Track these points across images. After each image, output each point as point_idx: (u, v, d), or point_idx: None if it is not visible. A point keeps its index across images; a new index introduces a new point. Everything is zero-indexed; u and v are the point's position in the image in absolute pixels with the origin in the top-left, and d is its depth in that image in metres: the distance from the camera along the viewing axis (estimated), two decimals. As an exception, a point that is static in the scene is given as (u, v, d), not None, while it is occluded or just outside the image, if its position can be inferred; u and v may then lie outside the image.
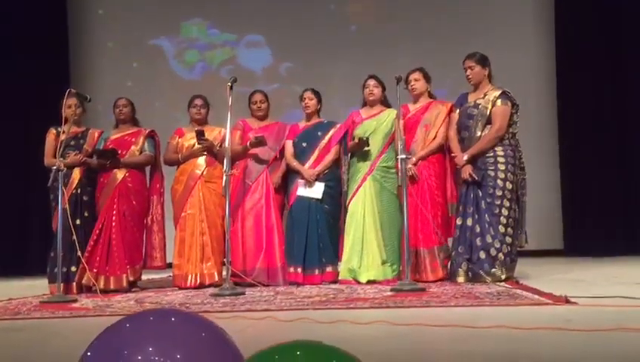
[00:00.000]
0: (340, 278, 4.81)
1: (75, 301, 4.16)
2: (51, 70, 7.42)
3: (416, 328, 2.63)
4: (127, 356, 1.07)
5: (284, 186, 5.09)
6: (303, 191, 4.91)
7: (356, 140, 4.84)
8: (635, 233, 7.10)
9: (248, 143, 4.97)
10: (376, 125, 4.95)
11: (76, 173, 4.91)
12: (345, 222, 4.90)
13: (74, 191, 4.87)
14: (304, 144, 5.06)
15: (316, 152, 5.03)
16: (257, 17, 7.85)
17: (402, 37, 7.59)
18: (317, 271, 4.84)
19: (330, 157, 5.01)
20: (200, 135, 4.92)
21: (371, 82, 5.02)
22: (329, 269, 4.88)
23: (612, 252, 6.83)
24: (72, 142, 4.97)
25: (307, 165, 4.98)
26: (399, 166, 4.32)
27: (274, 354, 0.94)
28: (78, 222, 4.82)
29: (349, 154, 5.03)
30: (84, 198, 4.92)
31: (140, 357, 1.07)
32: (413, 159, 4.76)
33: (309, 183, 4.90)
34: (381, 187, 4.86)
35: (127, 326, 1.14)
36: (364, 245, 4.80)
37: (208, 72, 7.99)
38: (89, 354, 1.09)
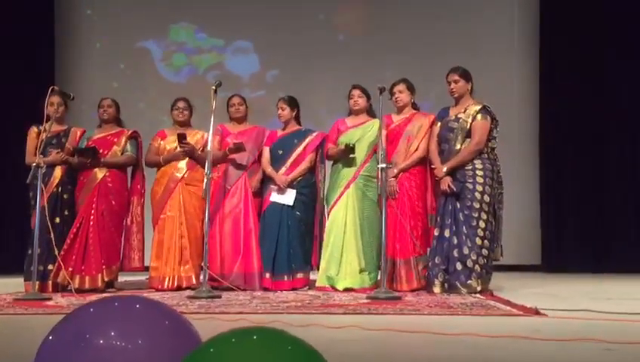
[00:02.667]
0: (317, 285, 4.83)
1: (50, 299, 4.14)
2: (35, 68, 7.40)
3: (387, 333, 2.66)
4: (89, 340, 1.08)
5: (263, 191, 5.12)
6: (275, 197, 4.94)
7: (342, 147, 4.87)
8: (611, 250, 7.20)
9: (227, 149, 5.00)
10: (361, 134, 4.99)
11: (57, 172, 4.89)
12: (320, 229, 4.93)
13: (54, 190, 4.85)
14: (280, 151, 5.09)
15: (291, 159, 5.05)
16: (246, 24, 7.89)
17: (389, 48, 7.66)
18: (286, 278, 4.85)
19: (304, 165, 5.04)
20: (182, 138, 4.93)
21: (356, 92, 5.07)
22: (299, 276, 4.91)
23: (588, 268, 6.92)
24: (54, 141, 4.95)
25: (281, 172, 5.00)
26: (379, 175, 4.36)
27: (231, 337, 0.96)
28: (57, 220, 4.80)
29: (332, 162, 5.07)
30: (65, 197, 4.90)
31: (101, 341, 1.09)
32: (395, 171, 4.81)
33: (281, 189, 4.93)
34: (363, 195, 4.89)
35: (91, 311, 1.16)
36: (344, 253, 4.82)
37: (194, 75, 8.00)
38: (50, 337, 1.10)
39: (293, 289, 4.80)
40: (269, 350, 0.96)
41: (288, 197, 4.91)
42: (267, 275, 4.84)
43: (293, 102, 5.18)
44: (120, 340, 1.09)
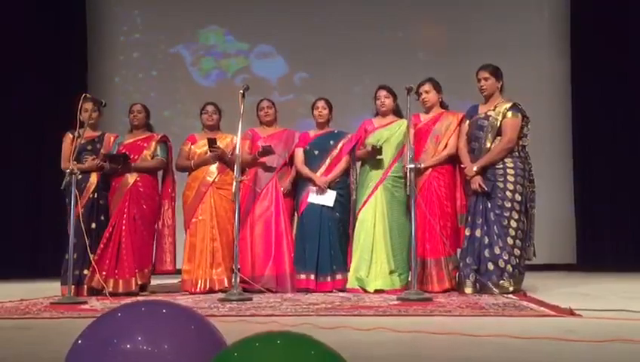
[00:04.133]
0: (347, 287, 4.82)
1: (85, 303, 4.22)
2: (70, 76, 7.57)
3: (416, 335, 2.64)
4: (116, 344, 1.10)
5: (294, 193, 5.13)
6: (314, 198, 4.94)
7: (369, 148, 4.86)
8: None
9: (257, 153, 5.03)
10: (388, 135, 4.98)
11: (93, 178, 4.99)
12: (354, 230, 4.92)
13: (91, 196, 4.94)
14: (316, 152, 5.10)
15: (328, 160, 5.07)
16: (273, 27, 7.94)
17: (416, 47, 7.62)
18: (329, 279, 4.86)
19: (341, 166, 5.05)
20: (212, 143, 4.98)
21: (382, 93, 5.05)
22: (339, 277, 4.90)
23: (624, 267, 6.77)
24: (89, 147, 5.05)
25: (319, 173, 5.02)
26: (407, 175, 4.33)
27: (255, 341, 0.97)
28: (93, 225, 4.90)
29: (360, 163, 5.06)
30: (101, 202, 5.00)
31: (129, 346, 1.11)
32: (422, 167, 4.76)
33: (321, 190, 4.94)
34: (392, 196, 4.88)
35: (119, 316, 1.18)
36: (373, 254, 4.81)
37: (224, 79, 8.07)
38: (80, 342, 1.13)
39: (334, 289, 4.79)
40: (292, 354, 0.97)
41: (328, 198, 4.93)
42: (311, 276, 4.84)
43: (330, 104, 5.21)
44: (146, 345, 1.11)
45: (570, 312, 3.15)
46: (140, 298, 4.65)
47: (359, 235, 4.87)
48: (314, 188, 4.96)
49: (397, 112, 5.08)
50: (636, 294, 4.43)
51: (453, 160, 4.86)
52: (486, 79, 4.68)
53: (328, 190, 4.94)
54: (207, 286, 4.91)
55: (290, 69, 8.01)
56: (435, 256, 4.69)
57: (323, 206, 4.92)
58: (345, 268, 4.95)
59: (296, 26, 7.89)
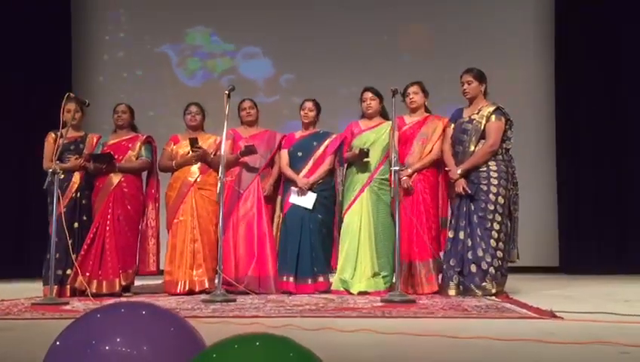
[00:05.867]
0: (332, 288, 4.83)
1: (67, 304, 4.19)
2: (53, 75, 7.50)
3: (400, 337, 2.65)
4: (95, 346, 1.10)
5: (275, 195, 5.12)
6: (295, 199, 4.94)
7: (356, 151, 4.87)
8: (630, 251, 7.11)
9: (239, 152, 5.02)
10: (375, 137, 4.99)
11: (76, 177, 4.95)
12: (339, 232, 4.92)
13: (73, 195, 4.91)
14: (299, 153, 5.09)
15: (311, 162, 5.06)
16: (259, 28, 7.92)
17: (401, 50, 7.65)
18: (309, 281, 4.85)
19: (324, 168, 5.04)
20: (194, 143, 4.96)
21: (368, 95, 5.06)
22: (321, 279, 4.90)
23: (607, 270, 6.84)
24: (72, 147, 5.02)
25: (301, 174, 5.01)
26: (392, 178, 4.35)
27: (234, 343, 0.97)
28: (76, 225, 4.87)
29: (346, 165, 5.06)
30: (83, 202, 4.96)
31: (107, 348, 1.10)
32: (409, 171, 4.80)
33: (302, 192, 4.93)
34: (378, 199, 4.89)
35: (98, 317, 1.17)
36: (359, 256, 4.82)
37: (210, 80, 8.05)
38: (58, 343, 1.12)
39: (316, 292, 4.78)
40: (271, 356, 0.97)
41: (308, 200, 4.91)
42: (291, 279, 4.83)
43: (318, 106, 5.20)
44: (125, 346, 1.10)
45: (552, 314, 3.18)
46: (122, 299, 4.62)
47: (345, 237, 4.87)
48: (295, 190, 4.96)
49: (383, 115, 5.10)
50: (618, 296, 4.47)
51: (437, 163, 4.88)
52: (469, 83, 4.71)
53: (309, 192, 4.93)
54: (188, 287, 4.87)
55: (276, 71, 8.00)
56: (424, 258, 4.70)
57: (305, 207, 4.92)
58: (327, 270, 4.95)
59: (282, 27, 7.88)
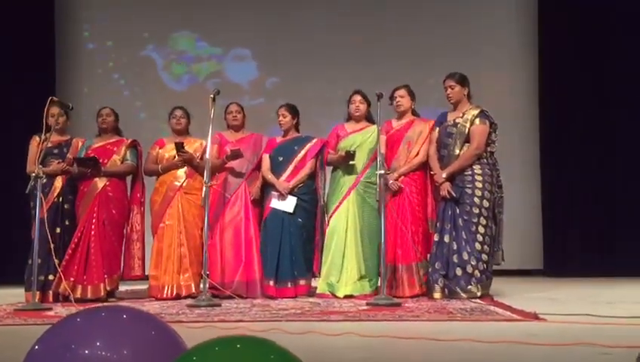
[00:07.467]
0: (318, 292, 4.83)
1: (50, 309, 4.14)
2: (36, 79, 7.42)
3: (385, 340, 2.66)
4: (75, 349, 1.09)
5: (262, 199, 5.12)
6: (275, 203, 4.93)
7: (342, 153, 4.88)
8: (614, 254, 7.16)
9: (225, 157, 5.00)
10: (361, 140, 5.00)
11: (58, 182, 4.90)
12: (321, 235, 4.92)
13: (55, 200, 4.86)
14: (280, 158, 5.08)
15: (292, 166, 5.05)
16: (245, 31, 7.90)
17: (388, 54, 7.67)
18: (289, 285, 4.84)
19: (305, 172, 5.03)
20: (179, 147, 4.94)
21: (357, 98, 5.07)
22: (302, 283, 4.89)
23: (591, 273, 6.88)
24: (56, 151, 4.97)
25: (282, 178, 4.99)
26: (378, 181, 4.36)
27: (215, 345, 0.97)
28: (58, 230, 4.82)
29: (332, 168, 5.07)
30: (66, 207, 4.91)
31: (87, 352, 1.09)
32: (395, 175, 4.81)
33: (282, 196, 4.93)
34: (364, 202, 4.89)
35: (78, 321, 1.16)
36: (344, 260, 4.83)
37: (195, 84, 8.02)
38: (36, 347, 1.11)
39: (296, 296, 4.78)
40: (252, 358, 0.97)
41: (289, 204, 4.91)
42: (270, 283, 4.83)
43: (294, 110, 5.19)
44: (105, 350, 1.09)
45: (535, 316, 3.21)
46: (107, 304, 4.58)
47: (331, 241, 4.87)
48: (275, 194, 4.95)
49: (369, 119, 5.11)
50: (601, 299, 4.51)
51: (425, 166, 4.90)
52: (452, 87, 4.75)
53: (289, 196, 4.93)
54: (174, 292, 4.84)
55: (262, 74, 7.99)
56: (407, 261, 4.71)
57: (285, 212, 4.91)
58: (308, 275, 4.94)
59: (267, 30, 7.86)
